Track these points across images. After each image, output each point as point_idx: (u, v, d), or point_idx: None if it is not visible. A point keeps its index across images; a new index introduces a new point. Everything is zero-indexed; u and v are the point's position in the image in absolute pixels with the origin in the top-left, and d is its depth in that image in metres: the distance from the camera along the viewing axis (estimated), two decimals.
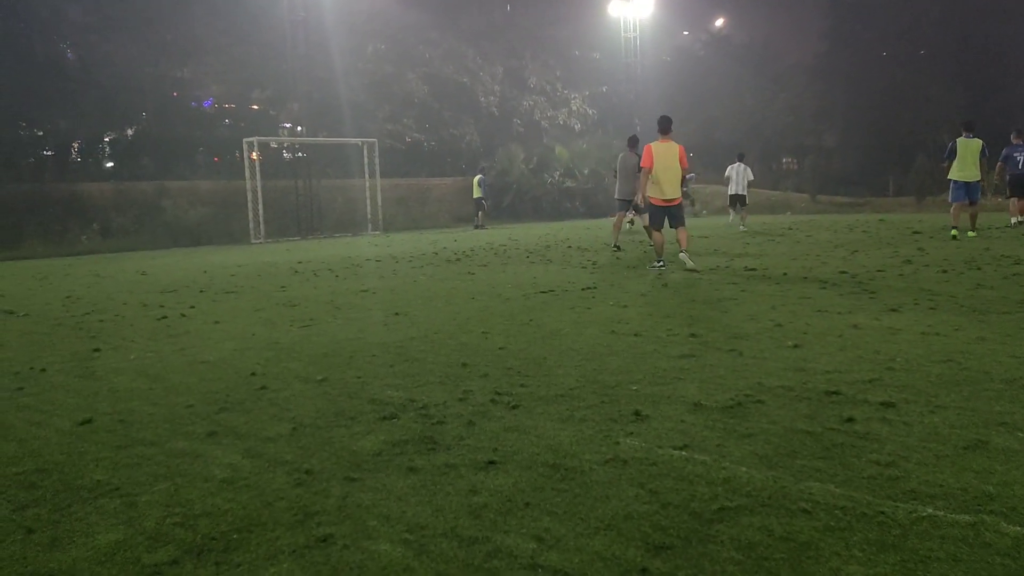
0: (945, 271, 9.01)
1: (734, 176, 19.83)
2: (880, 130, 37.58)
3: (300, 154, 27.44)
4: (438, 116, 32.64)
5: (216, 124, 29.64)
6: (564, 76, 37.56)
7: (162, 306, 8.72)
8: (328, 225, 25.90)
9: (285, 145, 28.85)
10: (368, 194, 26.10)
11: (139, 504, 2.99)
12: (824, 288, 8.08)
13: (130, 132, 27.43)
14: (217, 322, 7.44)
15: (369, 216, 26.21)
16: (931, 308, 6.60)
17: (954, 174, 14.11)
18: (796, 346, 5.29)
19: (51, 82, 23.41)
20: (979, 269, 9.08)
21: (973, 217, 14.25)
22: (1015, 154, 16.20)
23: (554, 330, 6.29)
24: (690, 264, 10.24)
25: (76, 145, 26.10)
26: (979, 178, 14.04)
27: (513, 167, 31.32)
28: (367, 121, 28.46)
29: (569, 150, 34.39)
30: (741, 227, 18.87)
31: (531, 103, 35.74)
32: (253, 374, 5.11)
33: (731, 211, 21.12)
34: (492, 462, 3.28)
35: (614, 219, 14.52)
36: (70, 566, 2.52)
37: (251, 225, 23.34)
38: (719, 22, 51.99)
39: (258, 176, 23.36)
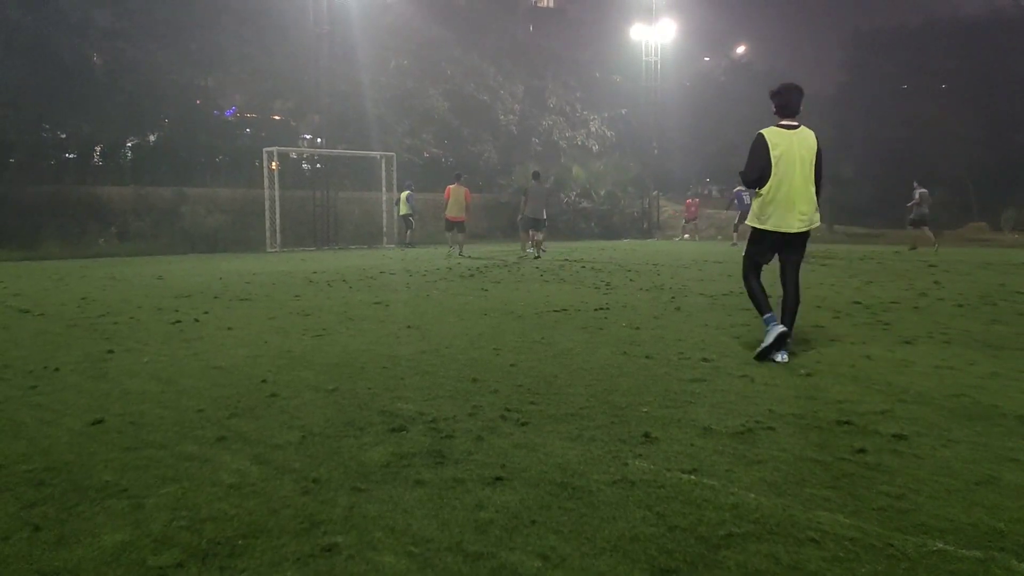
0: (960, 305, 8.95)
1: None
2: (898, 162, 37.47)
3: (319, 165, 27.63)
4: (457, 132, 32.83)
5: (237, 133, 29.90)
6: (584, 97, 37.77)
7: (176, 311, 8.77)
8: (344, 237, 26.03)
9: (304, 156, 29.06)
10: (385, 207, 26.23)
11: (146, 506, 2.99)
12: (837, 317, 8.05)
13: (152, 138, 27.71)
14: (230, 328, 7.47)
15: (385, 229, 26.34)
16: (945, 342, 6.56)
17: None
18: (808, 374, 5.27)
19: (76, 86, 23.70)
20: (994, 304, 9.02)
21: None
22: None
23: (565, 349, 6.28)
24: (461, 254, 18.95)
25: (98, 149, 26.36)
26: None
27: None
28: (387, 135, 28.67)
29: (586, 171, 34.51)
30: (535, 252, 19.16)
31: (550, 123, 35.92)
32: (264, 381, 5.12)
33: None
34: (500, 478, 3.27)
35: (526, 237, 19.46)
36: (75, 565, 2.52)
37: (268, 234, 23.49)
38: (740, 49, 52.26)
39: (276, 186, 23.53)
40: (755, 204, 5.94)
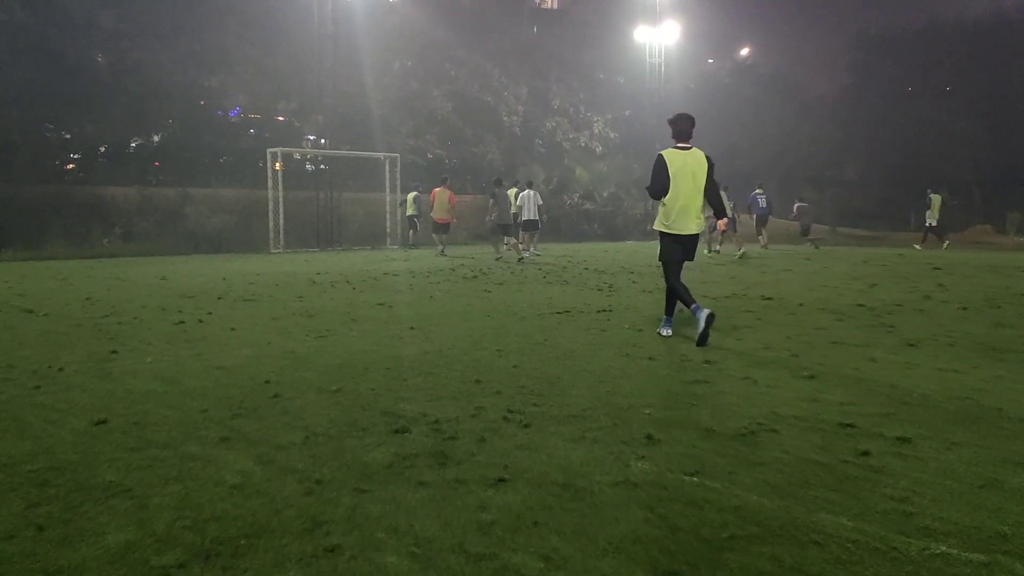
0: (964, 308, 8.94)
1: (525, 203, 20.48)
2: (902, 165, 37.44)
3: (323, 166, 27.65)
4: (461, 133, 32.83)
5: (241, 134, 29.92)
6: (588, 99, 37.75)
7: (180, 311, 8.79)
8: (348, 237, 26.04)
9: (308, 157, 29.08)
10: (388, 208, 26.24)
11: (150, 506, 3.00)
12: (841, 320, 8.04)
13: (156, 138, 27.74)
14: (234, 329, 7.48)
15: (389, 230, 26.35)
16: (949, 344, 6.55)
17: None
18: (811, 377, 5.26)
19: (81, 86, 23.73)
20: (998, 307, 9.00)
21: None
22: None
23: (568, 351, 6.28)
24: (444, 254, 19.74)
25: (102, 149, 26.40)
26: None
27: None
28: (390, 136, 28.68)
29: (589, 172, 34.52)
30: (536, 252, 20.27)
31: (554, 124, 35.91)
32: (268, 382, 5.13)
33: (524, 236, 21.02)
34: (502, 479, 3.27)
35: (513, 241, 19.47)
36: (79, 564, 2.53)
37: (271, 234, 23.49)
38: (745, 51, 52.20)
39: (280, 186, 23.53)
40: (660, 212, 7.08)
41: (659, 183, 6.91)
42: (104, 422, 4.15)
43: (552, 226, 31.34)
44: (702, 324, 6.49)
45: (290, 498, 3.07)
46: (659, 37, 36.50)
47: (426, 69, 31.86)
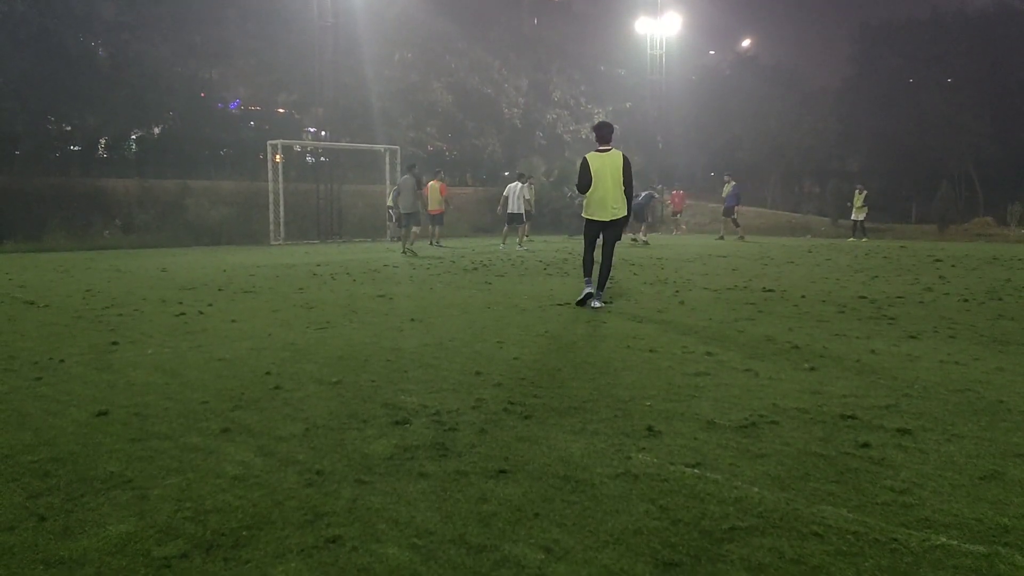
0: (966, 300, 8.93)
1: (511, 196, 20.55)
2: (904, 157, 37.35)
3: (323, 158, 27.61)
4: (461, 126, 32.79)
5: (241, 126, 29.89)
6: (588, 91, 37.68)
7: (181, 303, 8.79)
8: (348, 230, 26.01)
9: (308, 149, 29.04)
10: (389, 200, 26.23)
11: (151, 497, 3.00)
12: (842, 312, 8.04)
13: (156, 130, 27.72)
14: (234, 321, 7.48)
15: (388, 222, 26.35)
16: (951, 336, 6.54)
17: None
18: (813, 369, 5.26)
19: (82, 79, 23.72)
20: (1000, 300, 9.00)
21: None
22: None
23: (569, 343, 6.28)
24: (439, 244, 20.21)
25: (103, 141, 26.39)
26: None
27: (534, 179, 31.38)
28: (391, 128, 28.63)
29: None
30: (519, 247, 20.00)
31: (554, 116, 35.85)
32: (268, 373, 5.13)
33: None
34: (503, 471, 3.27)
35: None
36: (80, 555, 2.53)
37: (271, 227, 23.48)
38: (746, 43, 52.08)
39: (280, 179, 23.50)
40: (585, 203, 8.69)
41: (584, 180, 8.53)
42: (105, 413, 4.15)
43: (553, 218, 31.28)
44: (582, 295, 8.42)
45: (291, 489, 3.07)
46: (660, 29, 36.36)
47: (426, 61, 31.77)
